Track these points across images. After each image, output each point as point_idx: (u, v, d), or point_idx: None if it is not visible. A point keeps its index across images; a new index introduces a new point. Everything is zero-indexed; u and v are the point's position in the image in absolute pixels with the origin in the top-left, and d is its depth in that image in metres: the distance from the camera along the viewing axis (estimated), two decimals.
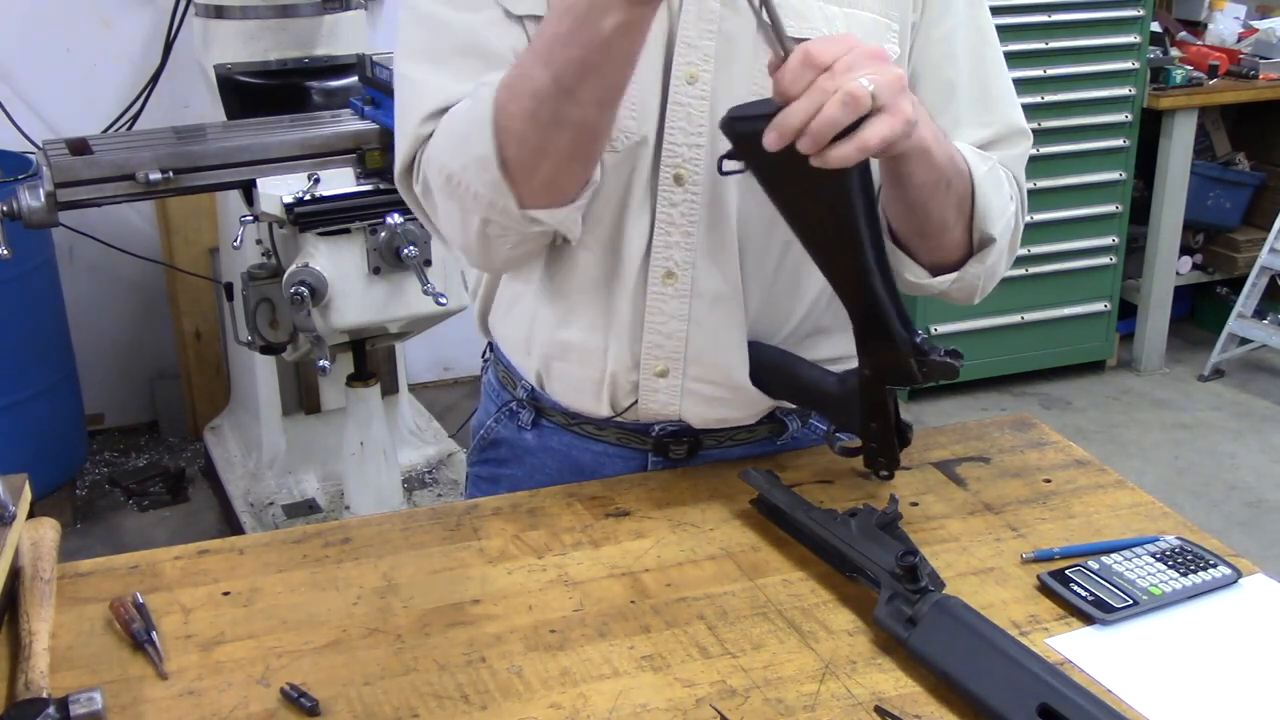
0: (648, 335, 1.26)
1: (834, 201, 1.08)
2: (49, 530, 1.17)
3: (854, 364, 1.21)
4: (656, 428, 1.32)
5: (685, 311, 1.25)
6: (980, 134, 1.27)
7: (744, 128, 1.04)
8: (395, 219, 2.37)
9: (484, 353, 1.48)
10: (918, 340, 1.16)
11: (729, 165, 1.09)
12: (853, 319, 1.18)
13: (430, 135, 1.19)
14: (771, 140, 1.00)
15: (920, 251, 1.24)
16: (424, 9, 1.21)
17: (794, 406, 1.36)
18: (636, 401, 1.29)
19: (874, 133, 0.99)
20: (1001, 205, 1.23)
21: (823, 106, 0.98)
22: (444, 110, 1.18)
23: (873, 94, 0.98)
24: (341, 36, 3.04)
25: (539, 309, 1.30)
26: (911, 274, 1.25)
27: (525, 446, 1.39)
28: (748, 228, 1.24)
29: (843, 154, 0.99)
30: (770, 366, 1.28)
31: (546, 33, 1.07)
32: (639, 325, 1.26)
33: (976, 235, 1.22)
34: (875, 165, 1.17)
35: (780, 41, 1.01)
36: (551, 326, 1.29)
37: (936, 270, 1.24)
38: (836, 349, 1.32)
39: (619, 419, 1.32)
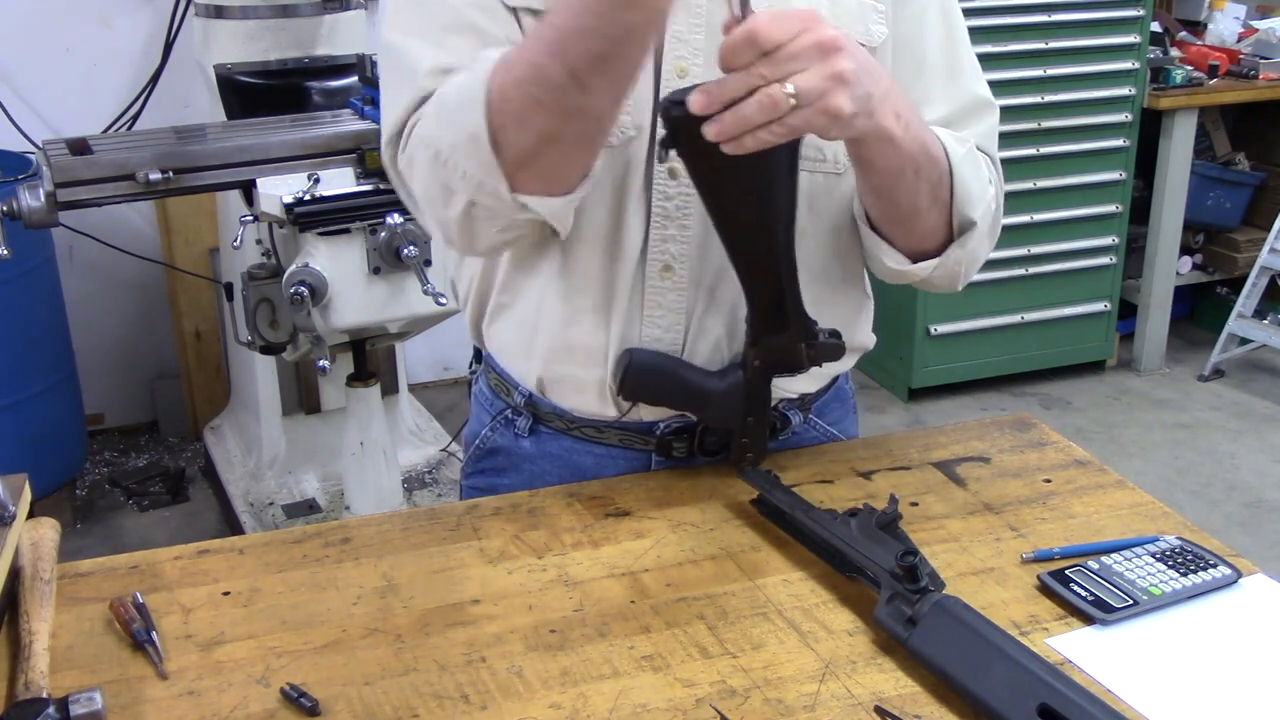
0: (646, 329, 1.26)
1: (757, 188, 1.10)
2: (49, 530, 1.17)
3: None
4: (661, 426, 1.32)
5: (683, 304, 1.26)
6: (947, 107, 1.28)
7: (677, 110, 1.04)
8: (395, 219, 2.37)
9: (470, 364, 1.46)
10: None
11: (663, 153, 1.10)
12: (752, 309, 1.20)
13: (431, 94, 1.16)
14: (697, 103, 1.00)
15: (897, 237, 1.24)
16: None
17: (794, 397, 1.36)
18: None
19: (781, 128, 1.00)
20: (981, 188, 1.24)
21: (752, 93, 0.98)
22: (445, 71, 1.16)
23: (794, 95, 0.98)
24: (341, 36, 3.04)
25: (539, 312, 1.29)
26: (892, 261, 1.25)
27: (523, 454, 1.38)
28: None
29: (743, 143, 1.00)
30: (648, 370, 1.26)
31: (559, 24, 1.03)
32: (637, 321, 1.26)
33: (957, 220, 1.23)
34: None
35: (742, 6, 1.02)
36: (553, 330, 1.28)
37: (916, 257, 1.25)
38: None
39: (624, 419, 1.32)
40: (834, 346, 1.24)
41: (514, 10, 1.19)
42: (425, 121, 1.15)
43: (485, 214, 1.14)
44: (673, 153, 1.10)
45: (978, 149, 1.27)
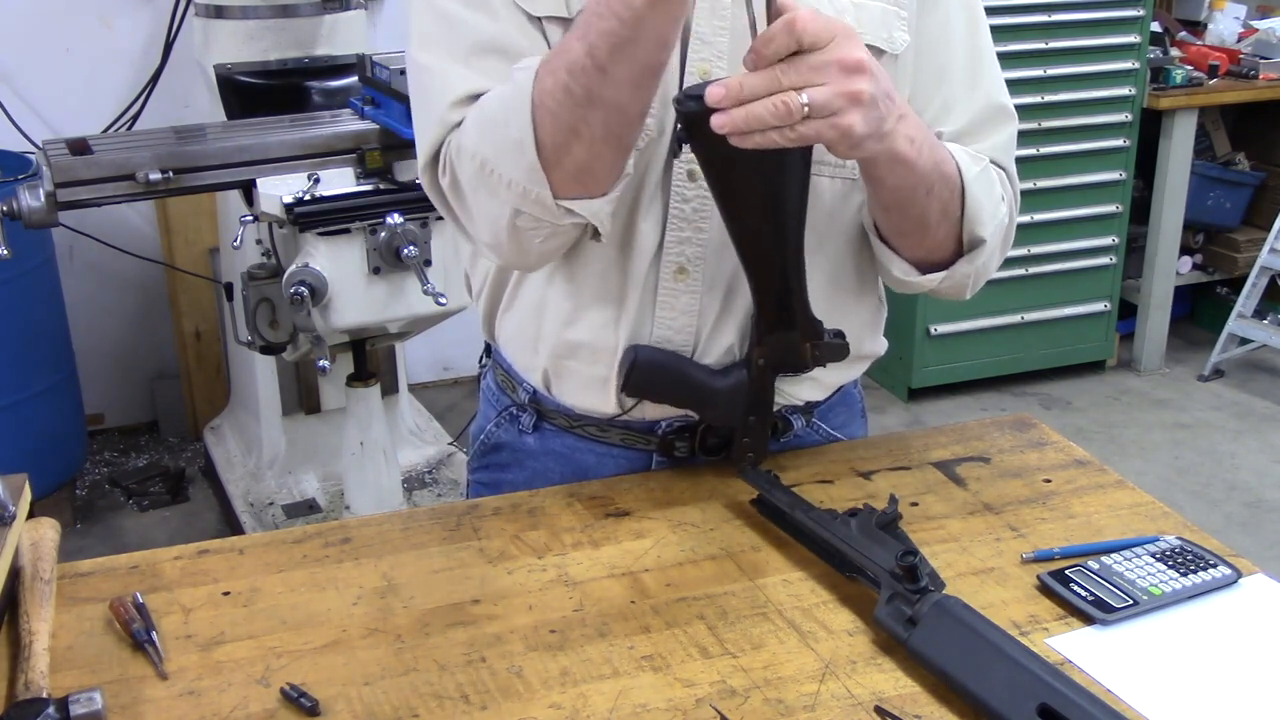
0: (657, 330, 1.26)
1: (769, 186, 1.11)
2: (49, 530, 1.17)
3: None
4: (663, 425, 1.32)
5: (695, 306, 1.26)
6: (967, 115, 1.28)
7: (693, 105, 1.05)
8: (395, 219, 2.36)
9: (481, 359, 1.47)
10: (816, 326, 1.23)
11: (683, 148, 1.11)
12: (759, 306, 1.21)
13: (459, 123, 1.17)
14: (714, 94, 1.00)
15: (905, 248, 1.25)
16: (439, 5, 1.20)
17: (799, 404, 1.36)
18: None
19: (791, 133, 1.01)
20: (993, 207, 1.24)
21: (770, 93, 0.99)
22: (472, 97, 1.17)
23: (808, 105, 1.00)
24: (341, 36, 3.04)
25: (548, 307, 1.29)
26: (899, 271, 1.26)
27: (527, 450, 1.39)
28: None
29: (750, 138, 1.01)
30: (653, 367, 1.26)
31: (589, 6, 1.06)
32: (648, 321, 1.26)
33: (967, 237, 1.23)
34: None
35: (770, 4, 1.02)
36: (561, 325, 1.29)
37: (924, 268, 1.25)
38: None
39: (625, 417, 1.32)
40: (838, 347, 1.25)
41: (539, 20, 1.19)
42: (468, 135, 1.16)
43: (530, 223, 1.15)
44: (691, 154, 1.11)
45: (993, 162, 1.27)
